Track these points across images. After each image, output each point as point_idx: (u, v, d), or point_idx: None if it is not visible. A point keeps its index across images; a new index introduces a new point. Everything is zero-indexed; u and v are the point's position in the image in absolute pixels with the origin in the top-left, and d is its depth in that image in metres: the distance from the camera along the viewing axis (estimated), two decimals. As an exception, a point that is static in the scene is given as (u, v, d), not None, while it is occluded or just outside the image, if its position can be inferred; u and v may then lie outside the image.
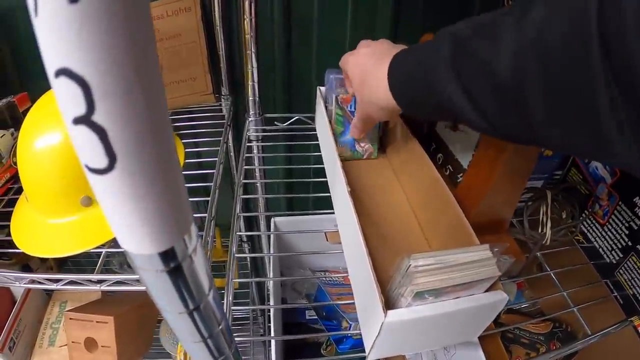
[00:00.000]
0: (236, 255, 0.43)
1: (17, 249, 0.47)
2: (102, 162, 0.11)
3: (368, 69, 0.38)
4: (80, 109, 0.10)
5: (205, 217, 0.48)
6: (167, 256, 0.16)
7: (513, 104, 0.23)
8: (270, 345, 0.50)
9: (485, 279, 0.31)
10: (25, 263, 0.66)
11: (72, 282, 0.46)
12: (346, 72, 0.45)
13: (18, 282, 0.47)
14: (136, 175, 0.13)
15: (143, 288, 0.21)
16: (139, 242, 0.15)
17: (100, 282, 0.46)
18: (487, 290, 0.33)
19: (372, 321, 0.31)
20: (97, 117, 0.10)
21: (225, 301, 0.38)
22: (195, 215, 0.54)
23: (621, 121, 0.19)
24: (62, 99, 0.10)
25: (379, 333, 0.30)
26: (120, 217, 0.14)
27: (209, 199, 0.50)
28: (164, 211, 0.15)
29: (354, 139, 0.53)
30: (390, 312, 0.29)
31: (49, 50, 0.10)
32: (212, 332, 0.22)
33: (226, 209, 0.55)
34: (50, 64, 0.10)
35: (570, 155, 0.52)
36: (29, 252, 0.46)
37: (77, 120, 0.10)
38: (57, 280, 0.47)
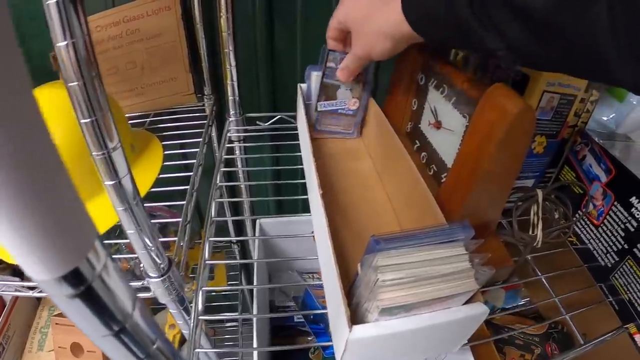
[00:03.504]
0: (208, 262, 0.41)
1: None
2: None
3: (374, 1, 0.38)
4: None
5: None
6: (72, 279, 0.15)
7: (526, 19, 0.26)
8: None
9: (462, 293, 0.29)
10: (17, 267, 0.66)
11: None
12: (345, 16, 0.42)
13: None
14: (4, 199, 0.11)
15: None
16: (35, 268, 0.14)
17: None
18: (466, 302, 0.31)
19: (339, 335, 0.30)
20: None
21: (193, 311, 0.37)
22: (177, 220, 0.52)
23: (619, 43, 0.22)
24: None
25: (345, 349, 0.28)
26: (8, 244, 0.13)
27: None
28: (53, 232, 0.13)
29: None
30: (356, 327, 0.27)
31: None
32: (147, 351, 0.20)
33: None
34: None
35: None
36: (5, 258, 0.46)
37: None
38: (33, 288, 0.46)
